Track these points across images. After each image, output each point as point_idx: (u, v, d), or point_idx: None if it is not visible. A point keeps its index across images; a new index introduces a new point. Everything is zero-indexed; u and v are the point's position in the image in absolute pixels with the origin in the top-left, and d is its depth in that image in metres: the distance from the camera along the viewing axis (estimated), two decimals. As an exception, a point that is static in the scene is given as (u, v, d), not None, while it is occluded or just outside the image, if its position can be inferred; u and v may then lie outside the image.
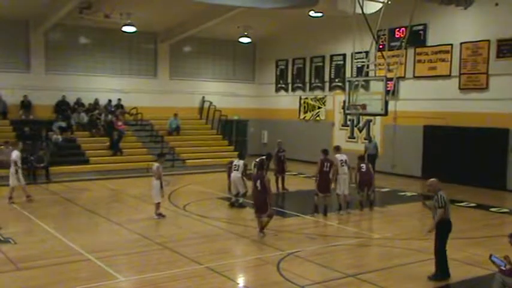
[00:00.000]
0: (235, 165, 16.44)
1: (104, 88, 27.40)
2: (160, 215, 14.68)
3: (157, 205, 14.71)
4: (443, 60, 22.39)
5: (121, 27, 25.15)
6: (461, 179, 20.79)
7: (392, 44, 21.70)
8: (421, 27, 22.87)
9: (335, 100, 27.73)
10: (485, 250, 10.24)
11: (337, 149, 16.15)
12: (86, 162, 23.72)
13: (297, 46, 29.62)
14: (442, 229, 9.81)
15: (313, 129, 28.61)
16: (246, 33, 28.48)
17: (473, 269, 10.38)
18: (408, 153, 23.56)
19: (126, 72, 28.47)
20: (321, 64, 28.60)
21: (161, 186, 14.52)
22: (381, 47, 19.11)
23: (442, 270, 9.82)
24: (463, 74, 21.65)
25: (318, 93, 28.88)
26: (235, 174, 16.29)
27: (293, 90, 30.45)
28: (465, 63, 21.56)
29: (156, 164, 14.77)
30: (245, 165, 16.48)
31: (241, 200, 16.31)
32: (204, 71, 30.90)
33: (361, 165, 16.11)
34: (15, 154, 16.70)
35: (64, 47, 26.74)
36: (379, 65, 19.43)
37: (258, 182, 12.49)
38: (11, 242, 11.85)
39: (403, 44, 19.90)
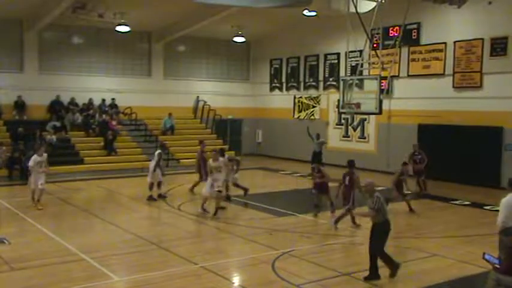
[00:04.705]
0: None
1: (98, 88, 27.33)
2: (151, 198, 16.90)
3: (150, 185, 17.03)
4: (437, 58, 22.46)
5: (115, 27, 25.11)
6: (456, 177, 20.87)
7: (386, 42, 21.71)
8: (414, 26, 22.94)
9: (329, 99, 27.77)
10: (479, 248, 10.25)
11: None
12: (80, 162, 23.67)
13: (291, 45, 29.63)
14: (379, 230, 9.61)
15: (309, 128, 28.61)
16: (240, 33, 28.48)
17: (468, 267, 10.41)
18: (403, 151, 23.49)
19: (120, 72, 28.41)
20: (315, 63, 28.62)
21: (154, 170, 16.93)
22: (374, 46, 19.10)
23: (392, 266, 9.65)
24: (457, 72, 21.72)
25: (312, 92, 28.90)
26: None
27: (287, 89, 30.45)
28: (459, 61, 21.63)
29: (158, 151, 17.55)
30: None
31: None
32: (198, 70, 30.88)
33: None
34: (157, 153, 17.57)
35: (58, 46, 26.66)
36: (373, 63, 19.46)
37: (347, 178, 13.70)
38: (5, 242, 11.80)
39: (397, 42, 19.94)
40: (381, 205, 9.49)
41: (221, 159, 15.57)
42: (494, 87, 20.56)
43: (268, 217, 15.08)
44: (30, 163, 15.59)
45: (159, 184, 17.30)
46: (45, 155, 15.85)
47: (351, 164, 14.19)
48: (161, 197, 17.25)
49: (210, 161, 15.30)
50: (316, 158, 23.64)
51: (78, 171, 22.63)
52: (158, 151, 17.55)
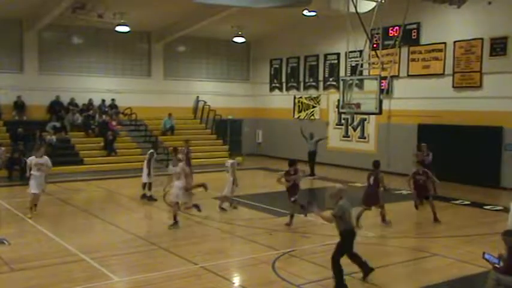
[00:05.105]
0: (226, 166, 16.17)
1: (98, 88, 27.34)
2: (145, 197, 16.99)
3: (143, 185, 17.12)
4: (436, 58, 22.46)
5: (114, 27, 25.10)
6: (456, 177, 20.85)
7: (386, 42, 21.71)
8: (414, 26, 22.95)
9: (329, 99, 27.77)
10: (479, 248, 10.26)
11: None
12: (80, 162, 23.67)
13: (291, 45, 29.64)
14: (345, 239, 9.28)
15: (307, 128, 28.59)
16: (240, 33, 28.48)
17: (468, 267, 10.41)
18: (403, 151, 23.58)
19: (120, 72, 28.42)
20: (315, 63, 28.63)
21: (149, 172, 16.99)
22: (374, 46, 19.10)
23: (337, 281, 9.06)
24: (457, 72, 21.73)
25: (312, 93, 28.90)
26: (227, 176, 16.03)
27: (287, 89, 30.46)
28: (459, 61, 21.64)
29: (150, 150, 17.64)
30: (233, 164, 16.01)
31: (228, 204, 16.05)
32: (198, 70, 30.88)
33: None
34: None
35: (57, 46, 26.68)
36: (373, 63, 19.46)
37: (372, 178, 14.03)
38: (5, 243, 11.80)
39: (397, 42, 19.95)
40: (343, 213, 9.16)
41: (180, 164, 14.09)
42: (494, 87, 20.56)
43: (268, 217, 15.08)
44: (28, 164, 14.71)
45: (147, 184, 17.23)
46: (45, 157, 14.73)
47: (376, 164, 14.40)
48: (145, 197, 17.24)
49: (170, 166, 14.38)
50: (312, 157, 23.80)
51: (78, 172, 22.63)
52: (150, 151, 17.64)
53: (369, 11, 18.55)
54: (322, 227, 14.21)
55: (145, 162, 17.25)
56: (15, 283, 9.41)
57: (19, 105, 25.05)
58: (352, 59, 20.54)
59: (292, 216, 13.89)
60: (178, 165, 13.95)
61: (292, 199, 13.95)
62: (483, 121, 20.66)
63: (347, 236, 9.27)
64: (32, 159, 14.62)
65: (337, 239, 12.64)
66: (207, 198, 18.05)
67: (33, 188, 14.41)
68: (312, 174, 23.26)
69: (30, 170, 14.50)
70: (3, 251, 11.20)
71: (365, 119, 25.73)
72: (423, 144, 19.17)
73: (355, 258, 9.46)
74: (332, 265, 9.09)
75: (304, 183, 21.74)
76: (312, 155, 23.92)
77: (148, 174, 17.08)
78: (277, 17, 26.33)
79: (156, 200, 17.05)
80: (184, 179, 13.59)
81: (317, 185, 21.80)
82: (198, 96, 30.26)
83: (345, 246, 9.28)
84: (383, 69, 18.34)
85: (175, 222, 13.49)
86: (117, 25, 24.93)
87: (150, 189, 17.22)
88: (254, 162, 27.95)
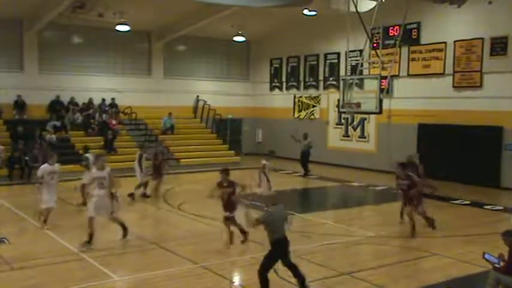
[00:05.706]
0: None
1: (98, 87, 27.31)
2: (145, 195, 17.36)
3: (144, 184, 17.37)
4: (437, 58, 22.45)
5: (115, 26, 25.08)
6: (456, 176, 20.85)
7: (387, 42, 21.73)
8: (415, 26, 22.93)
9: (329, 99, 27.76)
10: (479, 248, 10.26)
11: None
12: (80, 161, 23.61)
13: (291, 45, 29.63)
14: (275, 249, 8.84)
15: (307, 127, 28.61)
16: (240, 32, 28.45)
17: (468, 267, 10.40)
18: (403, 151, 23.51)
19: (120, 71, 28.40)
20: (315, 63, 28.62)
21: (141, 169, 17.46)
22: (375, 45, 19.10)
23: None
24: (457, 72, 21.72)
25: (312, 92, 28.90)
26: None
27: (287, 88, 30.45)
28: (459, 61, 21.63)
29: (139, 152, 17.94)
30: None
31: None
32: (198, 69, 30.86)
33: None
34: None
35: (57, 46, 26.64)
36: (373, 63, 19.47)
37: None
38: (5, 242, 11.81)
39: (397, 42, 19.95)
40: (264, 221, 8.80)
41: (108, 168, 11.97)
42: (494, 86, 20.55)
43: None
44: (40, 173, 13.19)
45: (144, 184, 17.52)
46: (57, 164, 13.56)
47: (404, 165, 13.68)
48: (131, 196, 17.11)
49: (94, 171, 12.10)
50: (306, 156, 23.79)
51: (78, 171, 22.56)
52: (138, 152, 17.98)
53: (369, 10, 18.59)
54: (321, 227, 14.23)
55: (136, 162, 17.55)
56: (15, 282, 9.41)
57: (19, 104, 25.04)
58: (352, 59, 20.54)
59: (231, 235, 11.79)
60: (106, 169, 11.91)
61: (226, 214, 11.75)
62: (483, 121, 20.65)
63: (277, 247, 8.81)
64: (46, 167, 13.24)
65: (338, 239, 12.72)
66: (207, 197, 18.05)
67: (49, 201, 13.22)
68: (307, 171, 23.39)
69: (42, 178, 13.13)
70: (4, 249, 11.20)
71: (365, 119, 25.72)
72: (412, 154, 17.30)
73: (292, 269, 8.97)
74: (259, 276, 8.62)
75: (299, 183, 21.92)
76: (306, 154, 23.87)
77: (141, 173, 17.43)
78: (277, 16, 26.33)
79: (149, 196, 17.40)
80: (108, 188, 11.80)
81: (315, 185, 21.80)
82: (198, 96, 30.25)
83: (275, 256, 8.81)
84: (383, 68, 18.36)
85: (89, 241, 11.37)
86: (117, 24, 24.89)
87: (145, 187, 17.51)
88: (254, 162, 27.87)
